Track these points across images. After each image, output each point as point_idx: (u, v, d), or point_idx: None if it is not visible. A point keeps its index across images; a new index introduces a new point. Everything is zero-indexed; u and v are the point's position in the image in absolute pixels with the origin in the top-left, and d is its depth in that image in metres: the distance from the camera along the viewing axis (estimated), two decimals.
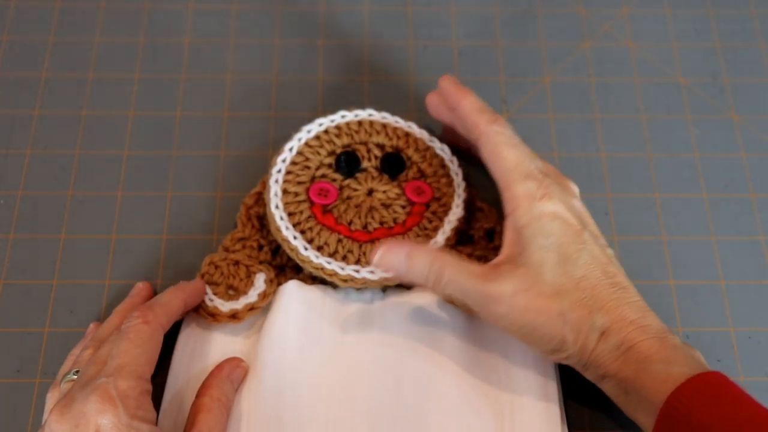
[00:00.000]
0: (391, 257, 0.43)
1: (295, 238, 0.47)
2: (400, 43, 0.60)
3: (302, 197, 0.49)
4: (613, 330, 0.41)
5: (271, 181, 0.49)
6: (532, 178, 0.44)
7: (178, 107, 0.57)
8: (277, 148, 0.54)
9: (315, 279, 0.49)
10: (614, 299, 0.42)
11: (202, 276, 0.48)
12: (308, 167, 0.50)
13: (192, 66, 0.58)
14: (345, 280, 0.47)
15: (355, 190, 0.50)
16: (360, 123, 0.52)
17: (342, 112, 0.52)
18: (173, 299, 0.45)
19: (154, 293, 0.49)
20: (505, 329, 0.43)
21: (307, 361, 0.46)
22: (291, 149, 0.50)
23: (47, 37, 0.59)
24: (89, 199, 0.53)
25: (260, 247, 0.50)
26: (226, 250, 0.50)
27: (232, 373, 0.45)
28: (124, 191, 0.54)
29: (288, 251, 0.47)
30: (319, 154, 0.51)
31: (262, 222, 0.51)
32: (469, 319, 0.48)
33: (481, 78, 0.58)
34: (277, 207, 0.48)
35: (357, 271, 0.47)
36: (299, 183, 0.49)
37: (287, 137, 0.52)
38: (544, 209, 0.43)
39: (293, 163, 0.50)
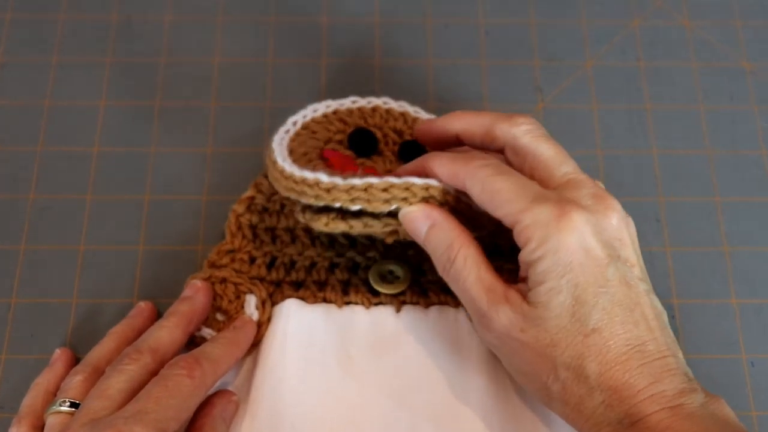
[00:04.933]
0: (416, 221, 0.44)
1: (300, 170, 0.46)
2: (416, 21, 0.60)
3: (312, 156, 0.49)
4: (615, 400, 0.40)
5: (274, 144, 0.48)
6: (543, 199, 0.42)
7: (157, 96, 0.57)
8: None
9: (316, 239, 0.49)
10: (624, 361, 0.40)
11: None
12: (316, 139, 0.50)
13: (173, 48, 0.58)
14: (329, 191, 0.45)
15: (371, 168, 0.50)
16: (375, 109, 0.52)
17: (353, 98, 0.52)
18: (224, 356, 0.45)
19: (158, 316, 0.49)
20: (497, 355, 0.44)
21: (308, 393, 0.46)
22: (295, 123, 0.50)
23: (2, 14, 0.59)
24: (53, 203, 0.53)
25: (252, 260, 0.50)
26: (213, 265, 0.50)
27: (224, 411, 0.45)
28: (94, 194, 0.54)
29: (289, 189, 0.46)
30: (328, 130, 0.51)
31: (255, 232, 0.51)
32: None
33: (512, 62, 0.58)
34: (284, 160, 0.47)
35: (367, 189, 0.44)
36: (307, 149, 0.49)
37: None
38: (561, 239, 0.41)
39: (297, 134, 0.50)
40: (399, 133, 0.52)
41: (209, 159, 0.55)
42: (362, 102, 0.52)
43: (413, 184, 0.44)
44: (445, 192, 0.44)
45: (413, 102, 0.53)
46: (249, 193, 0.52)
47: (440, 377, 0.47)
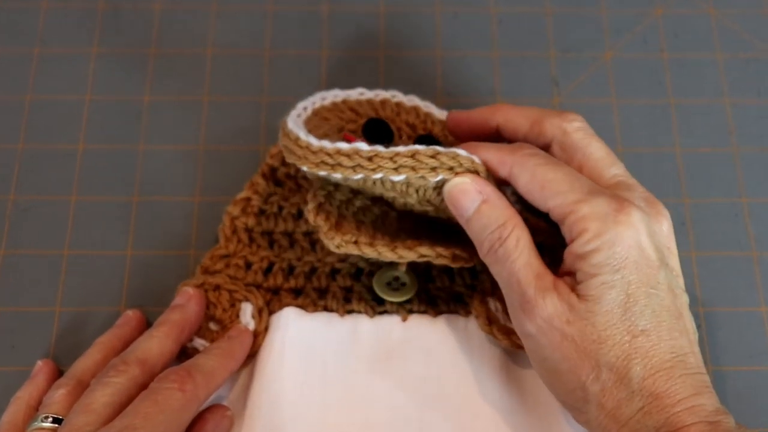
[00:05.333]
0: (466, 194, 0.44)
1: (332, 142, 0.45)
2: (423, 9, 0.60)
3: (333, 139, 0.48)
4: (655, 408, 0.40)
5: (290, 124, 0.47)
6: (600, 192, 0.43)
7: (146, 90, 0.57)
8: (270, 141, 0.54)
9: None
10: (668, 368, 0.41)
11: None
12: (330, 125, 0.50)
13: (164, 38, 0.58)
14: (371, 159, 0.44)
15: None
16: (385, 102, 0.52)
17: (360, 90, 0.52)
18: (219, 369, 0.45)
19: (147, 325, 0.49)
20: (528, 352, 0.44)
21: (307, 408, 0.46)
22: (305, 108, 0.50)
23: None
24: (35, 204, 0.53)
25: (248, 266, 0.50)
26: (206, 271, 0.50)
27: (218, 427, 0.45)
28: (79, 195, 0.54)
29: (321, 164, 0.45)
30: (340, 118, 0.51)
31: (251, 235, 0.51)
32: (513, 357, 0.48)
33: (527, 53, 0.58)
34: (307, 135, 0.46)
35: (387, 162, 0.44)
36: (326, 131, 0.49)
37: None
38: (619, 233, 0.41)
39: (309, 120, 0.50)
40: (412, 127, 0.52)
41: (202, 157, 0.55)
42: (370, 94, 0.52)
43: (459, 155, 0.44)
44: (488, 172, 0.45)
45: (420, 97, 0.53)
46: (244, 194, 0.52)
47: (450, 391, 0.47)
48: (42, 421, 0.43)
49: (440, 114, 0.52)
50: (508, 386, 0.47)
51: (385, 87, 0.54)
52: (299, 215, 0.51)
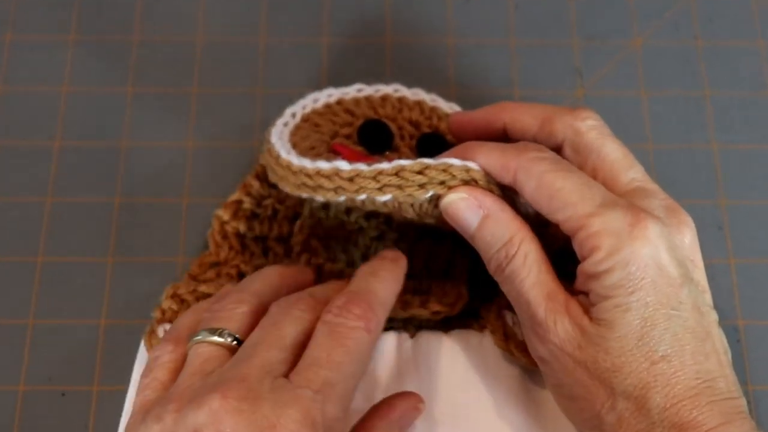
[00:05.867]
0: (465, 210, 0.43)
1: (312, 161, 0.45)
2: None
3: (321, 151, 0.48)
4: None
5: (273, 139, 0.47)
6: (613, 204, 0.41)
7: (128, 81, 0.56)
8: (263, 137, 0.52)
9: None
10: (693, 396, 0.40)
11: (163, 313, 0.47)
12: (321, 132, 0.50)
13: (148, 24, 0.58)
14: (352, 180, 0.44)
15: None
16: (385, 98, 0.51)
17: (358, 86, 0.51)
18: (392, 298, 0.44)
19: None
20: (543, 376, 0.43)
21: None
22: (294, 115, 0.49)
23: None
24: (7, 207, 0.53)
25: (241, 276, 0.49)
26: (194, 278, 0.49)
27: (405, 417, 0.44)
28: (55, 196, 0.53)
29: (301, 186, 0.45)
30: (333, 123, 0.50)
31: (243, 242, 0.51)
32: (532, 377, 0.47)
33: (547, 41, 0.57)
34: (289, 153, 0.46)
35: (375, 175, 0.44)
36: (313, 142, 0.49)
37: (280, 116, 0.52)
38: (635, 251, 0.40)
39: (298, 127, 0.50)
40: (415, 124, 0.51)
41: (190, 155, 0.54)
42: (369, 90, 0.51)
43: (451, 165, 0.43)
44: (488, 178, 0.44)
45: (430, 89, 0.53)
46: (235, 196, 0.51)
47: (463, 414, 0.46)
48: (220, 336, 0.41)
49: (448, 107, 0.52)
50: (526, 409, 0.46)
51: (393, 77, 0.54)
52: (296, 219, 0.50)
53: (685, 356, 0.40)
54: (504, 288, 0.43)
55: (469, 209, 0.43)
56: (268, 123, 0.52)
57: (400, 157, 0.48)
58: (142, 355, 0.48)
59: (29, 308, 0.49)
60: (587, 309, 0.41)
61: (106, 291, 0.50)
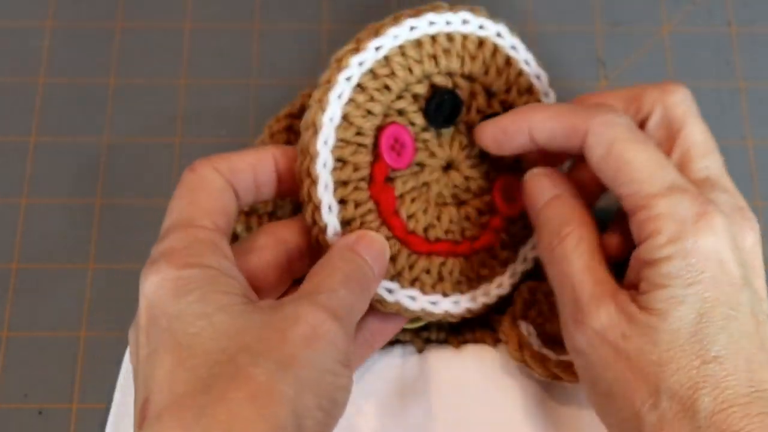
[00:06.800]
0: (540, 185, 0.44)
1: (330, 209, 0.44)
2: None
3: (366, 140, 0.45)
4: None
5: (332, 97, 0.44)
6: (683, 189, 0.41)
7: (111, 71, 0.56)
8: (259, 132, 0.52)
9: None
10: (745, 403, 0.39)
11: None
12: (380, 103, 0.46)
13: (132, 9, 0.58)
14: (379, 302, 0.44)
15: (433, 155, 0.47)
16: (480, 47, 0.47)
17: (431, 17, 0.46)
18: (238, 155, 0.44)
19: None
20: (578, 372, 0.43)
21: None
22: (349, 79, 0.45)
23: None
24: None
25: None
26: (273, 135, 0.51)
27: (377, 263, 0.43)
28: (31, 197, 0.53)
29: (308, 219, 0.44)
30: (389, 90, 0.46)
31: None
32: (550, 392, 0.47)
33: (568, 27, 0.57)
34: (325, 143, 0.44)
35: (413, 299, 0.45)
36: (367, 114, 0.46)
37: (283, 107, 0.51)
38: (698, 242, 0.40)
39: (352, 99, 0.46)
40: (491, 95, 0.47)
41: (178, 151, 0.54)
42: (442, 24, 0.46)
43: (428, 313, 0.45)
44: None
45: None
46: (286, 109, 0.51)
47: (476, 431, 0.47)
48: None
49: (535, 72, 0.47)
50: (545, 428, 0.46)
51: None
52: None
53: (738, 361, 0.39)
54: (551, 271, 0.43)
55: (545, 186, 0.44)
56: (262, 118, 0.53)
57: (453, 138, 0.47)
58: (125, 370, 0.47)
59: (3, 319, 0.49)
60: (636, 300, 0.41)
61: (86, 300, 0.50)
